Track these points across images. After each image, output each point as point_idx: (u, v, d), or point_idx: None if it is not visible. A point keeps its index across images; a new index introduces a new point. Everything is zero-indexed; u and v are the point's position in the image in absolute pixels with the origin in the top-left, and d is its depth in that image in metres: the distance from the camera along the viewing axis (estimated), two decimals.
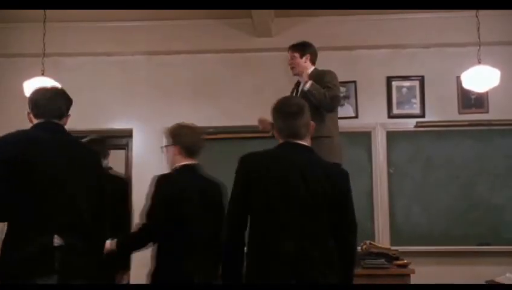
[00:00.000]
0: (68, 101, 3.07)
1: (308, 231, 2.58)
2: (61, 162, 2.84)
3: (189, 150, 3.49)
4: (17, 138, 2.84)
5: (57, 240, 2.72)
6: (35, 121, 2.96)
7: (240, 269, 2.67)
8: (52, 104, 2.99)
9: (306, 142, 2.74)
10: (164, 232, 3.30)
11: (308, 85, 4.28)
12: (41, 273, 2.68)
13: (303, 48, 4.62)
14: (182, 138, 3.49)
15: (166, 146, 3.60)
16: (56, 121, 2.98)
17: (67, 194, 2.83)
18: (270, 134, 4.13)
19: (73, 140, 3.06)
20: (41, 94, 3.04)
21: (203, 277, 3.30)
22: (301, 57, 4.59)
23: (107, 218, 3.08)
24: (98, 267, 2.96)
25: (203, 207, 3.37)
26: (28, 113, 3.01)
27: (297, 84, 4.63)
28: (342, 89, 4.63)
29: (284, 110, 2.74)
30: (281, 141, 2.76)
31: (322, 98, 4.23)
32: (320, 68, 4.63)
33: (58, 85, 5.18)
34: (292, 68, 4.63)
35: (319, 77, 4.44)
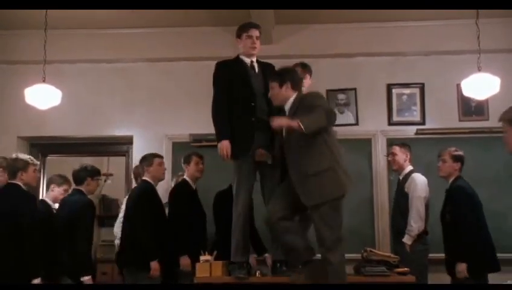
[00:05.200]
0: None
1: None
2: None
3: None
4: None
5: None
6: None
7: None
8: None
9: None
10: None
11: (303, 127, 3.48)
12: None
13: (281, 76, 3.89)
14: None
15: None
16: None
17: None
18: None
19: None
20: None
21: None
22: (280, 87, 3.85)
23: None
24: None
25: None
26: None
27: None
28: (342, 96, 4.38)
29: None
30: None
31: (319, 124, 3.56)
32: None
33: (59, 92, 5.25)
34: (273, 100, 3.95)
35: (300, 102, 3.81)
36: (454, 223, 4.57)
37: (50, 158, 6.66)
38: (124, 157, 6.50)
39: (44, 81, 5.23)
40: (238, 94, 4.06)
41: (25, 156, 4.61)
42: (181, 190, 5.09)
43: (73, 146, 6.54)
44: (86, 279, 4.68)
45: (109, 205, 8.02)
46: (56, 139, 6.33)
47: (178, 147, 6.00)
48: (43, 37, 5.20)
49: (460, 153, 4.83)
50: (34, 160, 4.65)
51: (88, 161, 8.03)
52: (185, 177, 5.16)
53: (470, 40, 5.15)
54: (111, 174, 8.24)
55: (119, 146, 6.49)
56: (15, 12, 5.63)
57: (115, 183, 7.83)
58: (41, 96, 5.21)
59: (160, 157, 5.14)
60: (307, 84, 4.37)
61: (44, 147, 6.51)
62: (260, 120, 4.03)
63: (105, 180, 8.27)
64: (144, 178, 5.01)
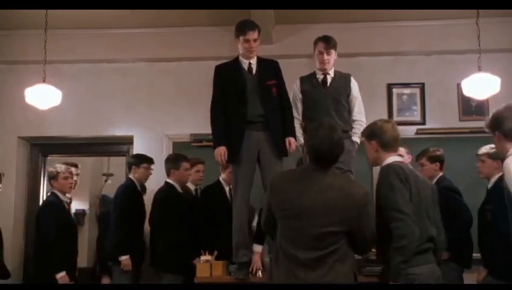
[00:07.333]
0: None
1: None
2: None
3: None
4: None
5: None
6: None
7: None
8: None
9: None
10: None
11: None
12: None
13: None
14: None
15: None
16: None
17: None
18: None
19: None
20: None
21: None
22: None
23: None
24: None
25: None
26: None
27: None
28: None
29: None
30: None
31: None
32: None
33: (59, 92, 5.25)
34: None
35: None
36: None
37: (50, 158, 6.66)
38: (125, 157, 6.50)
39: (44, 81, 5.23)
40: (231, 100, 4.11)
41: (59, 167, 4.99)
42: (213, 191, 5.14)
43: (73, 146, 6.53)
44: (123, 259, 4.75)
45: (109, 205, 8.01)
46: (56, 139, 6.33)
47: (178, 147, 6.00)
48: (43, 37, 5.21)
49: (438, 153, 4.90)
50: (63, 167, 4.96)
51: (89, 161, 8.08)
52: (219, 178, 5.17)
53: (471, 39, 5.14)
54: (111, 174, 8.25)
55: (119, 146, 6.49)
56: (15, 12, 5.62)
57: (115, 183, 7.83)
58: (42, 96, 5.21)
59: (188, 161, 5.17)
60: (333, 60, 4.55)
61: (45, 147, 6.51)
62: (252, 123, 4.08)
63: (105, 181, 8.29)
64: (167, 180, 5.08)
